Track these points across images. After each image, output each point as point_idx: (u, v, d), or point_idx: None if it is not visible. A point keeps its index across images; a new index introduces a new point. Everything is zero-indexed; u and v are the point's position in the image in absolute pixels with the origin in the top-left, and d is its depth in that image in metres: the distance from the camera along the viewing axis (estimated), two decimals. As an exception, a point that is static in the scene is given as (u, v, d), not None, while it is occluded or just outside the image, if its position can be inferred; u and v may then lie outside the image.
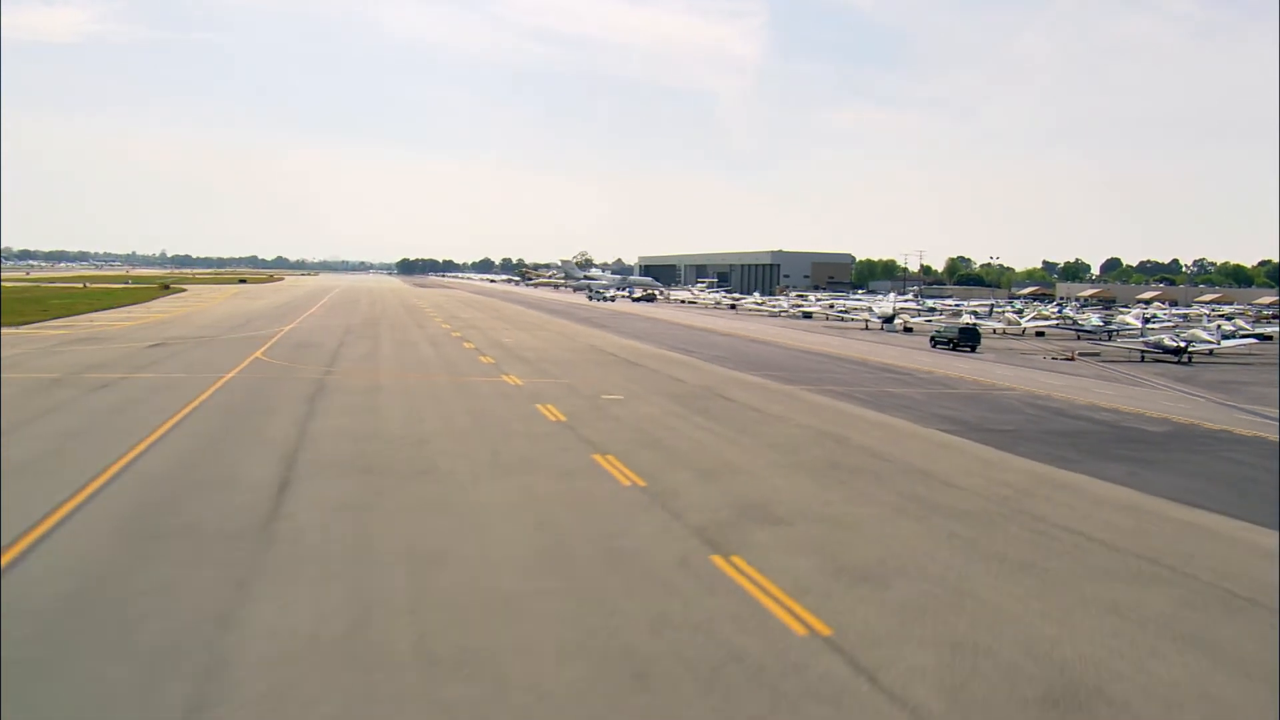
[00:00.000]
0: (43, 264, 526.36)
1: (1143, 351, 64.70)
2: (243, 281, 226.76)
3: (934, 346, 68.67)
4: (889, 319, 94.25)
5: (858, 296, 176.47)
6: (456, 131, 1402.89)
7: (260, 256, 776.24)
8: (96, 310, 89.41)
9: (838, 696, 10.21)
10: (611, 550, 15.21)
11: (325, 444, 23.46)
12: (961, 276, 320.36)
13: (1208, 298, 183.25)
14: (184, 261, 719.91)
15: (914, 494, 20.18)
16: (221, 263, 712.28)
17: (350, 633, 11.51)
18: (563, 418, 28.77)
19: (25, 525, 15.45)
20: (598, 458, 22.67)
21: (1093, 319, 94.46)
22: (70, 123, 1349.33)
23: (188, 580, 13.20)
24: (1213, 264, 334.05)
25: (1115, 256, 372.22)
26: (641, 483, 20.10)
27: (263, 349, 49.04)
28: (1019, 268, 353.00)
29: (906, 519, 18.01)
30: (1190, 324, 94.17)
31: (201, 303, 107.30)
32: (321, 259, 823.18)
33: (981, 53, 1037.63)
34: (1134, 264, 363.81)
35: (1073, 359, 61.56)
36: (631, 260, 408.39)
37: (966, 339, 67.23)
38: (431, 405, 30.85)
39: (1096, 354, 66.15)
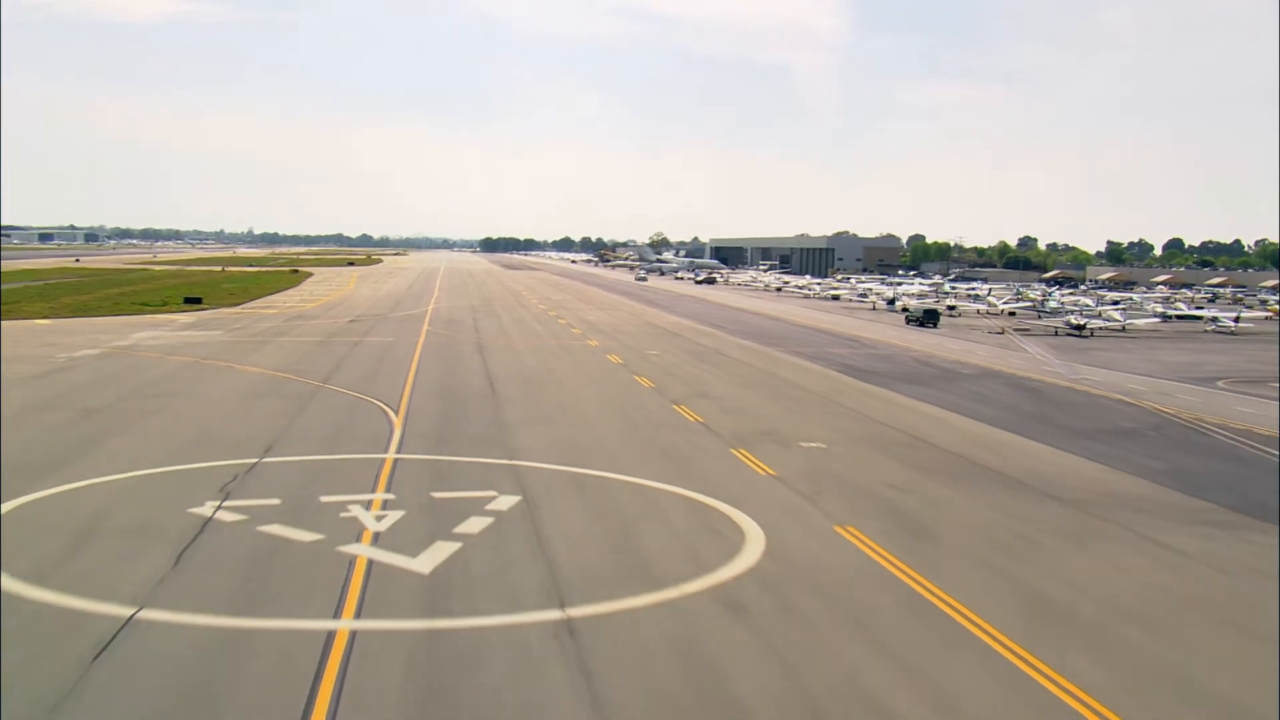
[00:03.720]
0: (138, 242, 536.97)
1: (1055, 328, 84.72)
2: (351, 264, 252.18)
3: (907, 324, 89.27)
4: (891, 302, 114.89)
5: (896, 279, 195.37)
6: (538, 109, 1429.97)
7: (345, 234, 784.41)
8: (271, 293, 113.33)
9: (702, 431, 32.15)
10: (635, 405, 37.34)
11: (501, 371, 45.91)
12: (1010, 259, 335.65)
13: (1214, 280, 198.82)
14: (273, 239, 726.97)
15: (785, 393, 41.95)
16: (309, 240, 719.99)
17: (546, 417, 33.73)
18: (621, 362, 50.95)
19: (396, 394, 37.85)
20: (637, 378, 44.81)
21: (1051, 302, 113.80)
22: (157, 102, 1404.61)
23: (479, 407, 35.57)
24: (1274, 244, 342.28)
25: (1178, 237, 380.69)
26: (654, 385, 42.20)
27: (425, 324, 71.84)
28: (1084, 247, 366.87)
29: (771, 401, 39.80)
30: (1146, 306, 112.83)
31: (340, 288, 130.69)
32: (405, 236, 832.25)
33: (1063, 27, 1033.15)
34: (1196, 244, 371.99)
35: (1003, 333, 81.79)
36: (707, 239, 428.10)
37: (929, 318, 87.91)
38: (549, 357, 53.20)
39: (1027, 329, 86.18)
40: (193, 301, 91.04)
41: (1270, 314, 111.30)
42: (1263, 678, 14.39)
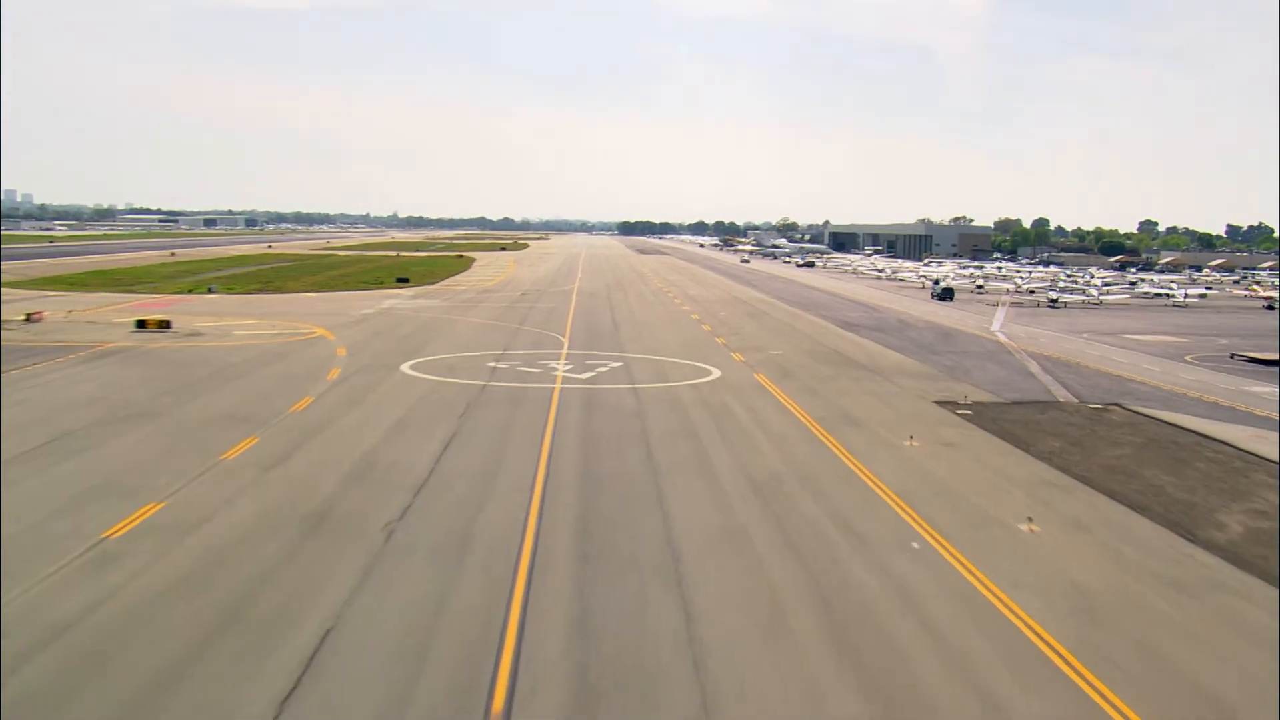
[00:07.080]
0: (294, 226, 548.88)
1: (1039, 301, 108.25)
2: (503, 249, 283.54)
3: (932, 298, 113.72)
4: (936, 282, 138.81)
5: (976, 264, 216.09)
6: (679, 91, 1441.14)
7: (488, 217, 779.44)
8: (453, 274, 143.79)
9: (721, 347, 59.62)
10: (693, 336, 65.10)
11: (622, 321, 74.16)
12: (1105, 244, 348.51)
13: (1267, 264, 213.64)
14: (419, 223, 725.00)
15: (784, 334, 68.91)
16: (453, 224, 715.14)
17: (641, 339, 61.66)
18: (697, 318, 78.55)
19: (562, 330, 66.28)
20: (703, 326, 72.38)
21: (1061, 281, 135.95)
22: (305, 89, 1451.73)
23: (608, 336, 63.85)
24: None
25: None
26: (710, 329, 69.75)
27: (574, 296, 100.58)
28: (1205, 230, 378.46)
29: (772, 336, 66.87)
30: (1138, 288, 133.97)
31: (503, 270, 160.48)
32: (545, 219, 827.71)
33: None
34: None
35: (997, 305, 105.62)
36: (835, 224, 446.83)
37: (946, 294, 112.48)
38: (652, 315, 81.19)
39: (1020, 303, 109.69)
40: (402, 281, 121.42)
41: (1250, 292, 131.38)
42: (870, 410, 41.31)
